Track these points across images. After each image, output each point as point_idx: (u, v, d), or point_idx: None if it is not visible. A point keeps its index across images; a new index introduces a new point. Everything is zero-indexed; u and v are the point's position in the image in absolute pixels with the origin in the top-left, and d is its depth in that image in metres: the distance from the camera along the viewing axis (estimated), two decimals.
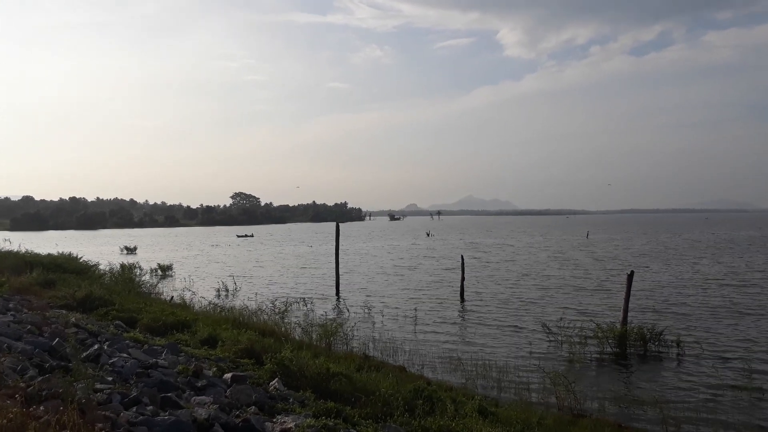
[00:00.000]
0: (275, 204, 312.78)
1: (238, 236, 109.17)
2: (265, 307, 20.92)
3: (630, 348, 16.26)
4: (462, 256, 27.80)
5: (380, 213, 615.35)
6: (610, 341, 16.29)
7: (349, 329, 16.74)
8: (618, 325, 16.77)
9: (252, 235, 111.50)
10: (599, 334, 16.47)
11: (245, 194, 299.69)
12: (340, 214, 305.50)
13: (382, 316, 22.22)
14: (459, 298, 26.54)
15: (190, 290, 26.43)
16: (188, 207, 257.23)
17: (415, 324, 20.54)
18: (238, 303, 22.61)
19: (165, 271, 38.87)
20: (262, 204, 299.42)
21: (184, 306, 18.99)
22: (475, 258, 48.13)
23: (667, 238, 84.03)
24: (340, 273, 30.36)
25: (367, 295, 28.13)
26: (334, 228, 30.62)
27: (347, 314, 22.32)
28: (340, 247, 34.23)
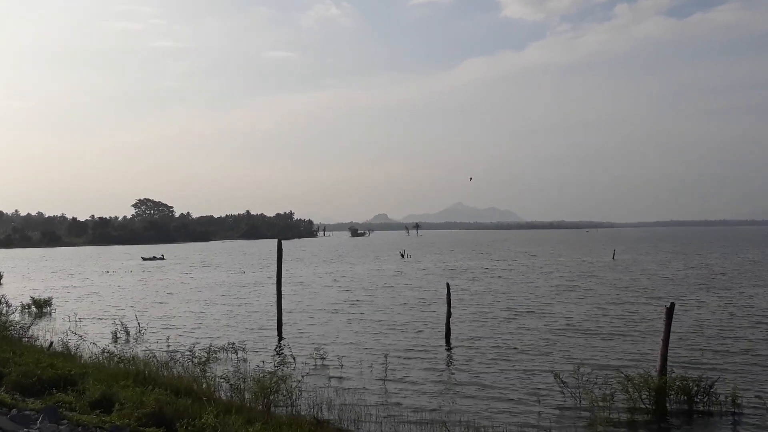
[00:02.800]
0: (194, 215, 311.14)
1: (144, 259, 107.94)
2: (180, 356, 20.71)
3: (670, 405, 16.57)
4: (448, 285, 27.95)
5: (339, 227, 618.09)
6: (643, 396, 16.55)
7: (295, 385, 16.65)
8: (654, 375, 17.05)
9: (162, 258, 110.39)
10: (629, 388, 16.71)
11: (153, 202, 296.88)
12: (284, 228, 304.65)
13: (341, 366, 22.15)
14: (443, 341, 26.64)
15: (76, 333, 25.97)
16: (74, 219, 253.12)
17: (386, 378, 20.53)
18: (142, 351, 22.30)
19: (41, 307, 38.24)
20: (177, 215, 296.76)
21: (67, 355, 18.65)
22: (463, 289, 48.46)
23: (716, 259, 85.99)
24: (283, 309, 30.25)
25: (320, 339, 28.03)
26: (276, 247, 30.51)
27: (293, 365, 22.20)
28: (284, 273, 34.09)
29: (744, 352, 23.73)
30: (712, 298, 40.33)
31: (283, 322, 29.93)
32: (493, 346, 25.65)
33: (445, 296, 27.67)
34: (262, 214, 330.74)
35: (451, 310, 27.38)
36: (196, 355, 21.03)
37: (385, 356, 23.01)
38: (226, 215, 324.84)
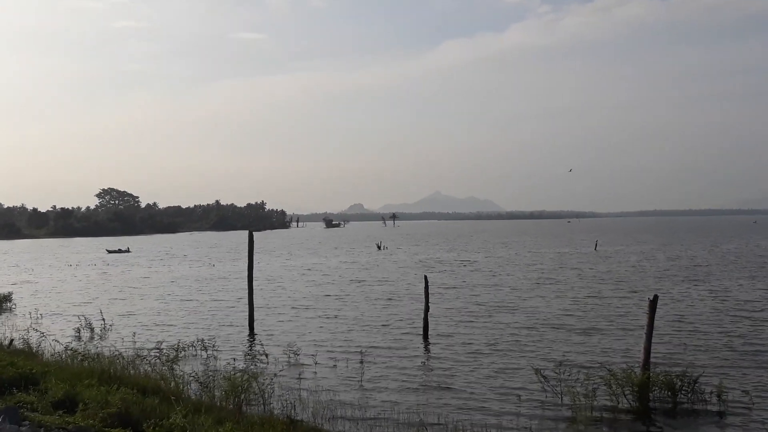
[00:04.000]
0: (161, 205, 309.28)
1: (109, 252, 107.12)
2: (147, 353, 20.63)
3: (654, 401, 16.77)
4: (426, 279, 28.09)
5: (313, 217, 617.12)
6: (626, 392, 16.74)
7: (267, 383, 16.64)
8: (637, 371, 17.25)
9: (128, 250, 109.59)
10: (612, 383, 16.90)
11: (117, 191, 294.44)
12: (256, 219, 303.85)
13: (315, 363, 22.18)
14: (421, 337, 26.77)
15: (37, 330, 25.72)
16: (35, 210, 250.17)
17: (362, 374, 20.59)
18: (107, 348, 22.15)
19: (0, 303, 37.89)
20: (143, 205, 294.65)
21: (28, 353, 18.52)
22: (440, 283, 48.59)
23: (700, 250, 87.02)
24: (254, 303, 30.23)
25: (293, 336, 28.02)
26: (247, 239, 30.46)
27: (265, 362, 22.17)
28: (256, 266, 34.02)
29: (728, 347, 24.04)
30: (695, 291, 40.78)
31: (255, 317, 29.89)
32: (472, 342, 25.77)
33: (421, 290, 27.77)
34: (232, 204, 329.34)
35: (429, 304, 27.55)
36: (164, 352, 20.95)
37: (361, 353, 23.11)
38: (195, 205, 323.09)
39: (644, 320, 18.43)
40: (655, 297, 17.96)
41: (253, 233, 31.20)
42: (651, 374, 16.98)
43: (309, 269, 66.15)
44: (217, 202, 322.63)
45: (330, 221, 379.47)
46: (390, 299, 39.76)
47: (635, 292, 40.93)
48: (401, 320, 31.59)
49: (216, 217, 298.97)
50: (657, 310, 18.12)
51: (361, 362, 22.06)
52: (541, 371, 18.56)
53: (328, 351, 24.44)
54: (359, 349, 23.93)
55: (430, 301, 27.67)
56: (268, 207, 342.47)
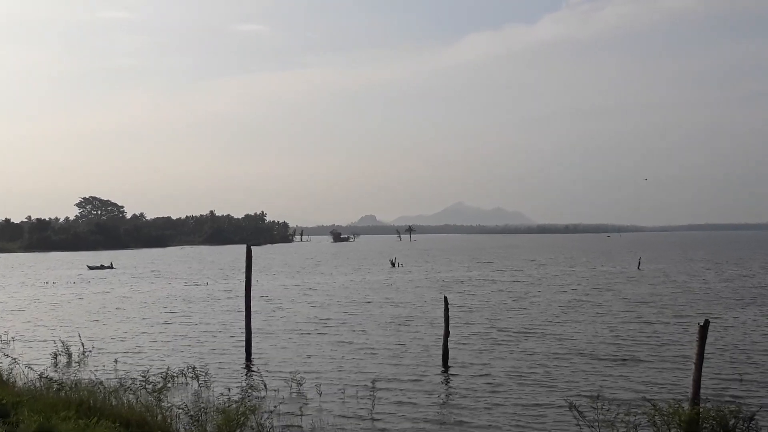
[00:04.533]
0: (149, 216, 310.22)
1: (90, 268, 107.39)
2: (131, 382, 20.62)
3: None
4: (446, 300, 28.01)
5: (319, 230, 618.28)
6: (673, 429, 16.61)
7: (266, 417, 16.64)
8: (685, 406, 17.11)
9: (111, 266, 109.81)
10: (657, 419, 16.74)
11: (100, 201, 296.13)
12: (255, 232, 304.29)
13: (320, 395, 22.17)
14: (441, 364, 26.72)
15: (8, 356, 25.79)
16: (7, 221, 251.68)
17: (372, 409, 20.55)
18: (86, 376, 22.18)
19: None
20: (128, 216, 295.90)
21: None
22: (461, 305, 48.45)
23: (759, 268, 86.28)
24: (252, 327, 30.22)
25: (296, 363, 28.01)
26: (244, 254, 30.52)
27: (263, 393, 22.20)
28: (254, 284, 34.03)
29: None
30: (751, 316, 40.50)
31: (252, 343, 29.87)
32: (495, 373, 25.70)
33: (439, 314, 27.73)
34: (228, 215, 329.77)
35: (449, 329, 27.48)
36: (150, 381, 20.90)
37: (373, 383, 22.97)
38: (187, 217, 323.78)
39: (693, 349, 18.32)
40: (706, 322, 17.83)
41: (252, 248, 31.18)
42: (701, 410, 16.84)
43: (313, 289, 66.11)
44: (211, 212, 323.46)
45: (338, 234, 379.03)
46: (404, 323, 39.62)
47: (682, 316, 40.65)
48: (416, 347, 31.49)
49: (210, 230, 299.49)
50: (708, 337, 18.01)
51: (372, 395, 21.88)
52: (576, 406, 18.46)
53: (334, 382, 24.41)
54: (369, 380, 23.79)
55: (453, 325, 27.58)
56: (268, 218, 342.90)
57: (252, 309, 30.76)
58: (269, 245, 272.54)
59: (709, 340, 19.48)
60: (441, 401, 21.97)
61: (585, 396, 20.98)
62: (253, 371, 26.16)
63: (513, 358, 28.80)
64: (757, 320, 38.72)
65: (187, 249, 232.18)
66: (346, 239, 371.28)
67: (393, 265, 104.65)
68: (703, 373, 17.57)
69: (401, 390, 23.24)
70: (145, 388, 20.02)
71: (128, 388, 19.57)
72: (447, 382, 24.66)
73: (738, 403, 18.36)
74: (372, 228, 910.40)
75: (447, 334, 27.21)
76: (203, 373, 24.37)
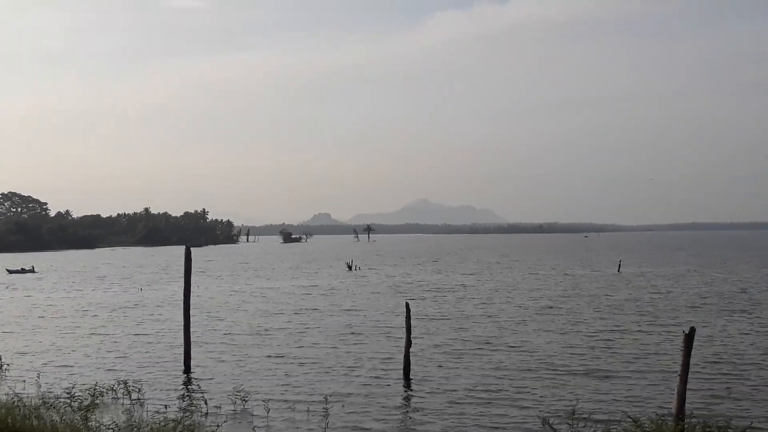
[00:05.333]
0: (76, 214, 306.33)
1: (9, 272, 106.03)
2: (55, 399, 20.43)
3: None
4: (407, 306, 28.02)
5: (268, 229, 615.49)
6: None
7: None
8: (669, 421, 17.28)
9: (33, 270, 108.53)
10: None
11: (20, 197, 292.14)
12: (195, 231, 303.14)
13: (267, 411, 22.12)
14: (401, 378, 26.79)
15: None
16: None
17: (326, 427, 20.59)
18: (4, 393, 21.93)
19: None
20: (52, 214, 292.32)
21: None
22: (424, 313, 48.51)
23: (746, 272, 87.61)
24: (192, 337, 30.03)
25: (240, 377, 27.98)
26: (183, 256, 30.29)
27: (204, 410, 22.13)
28: (194, 290, 33.77)
29: None
30: (738, 324, 41.13)
31: (192, 355, 29.68)
32: (464, 387, 25.83)
33: (399, 322, 27.73)
34: (165, 213, 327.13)
35: (411, 338, 27.50)
36: (76, 397, 20.77)
37: (326, 399, 22.99)
38: (119, 215, 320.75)
39: (677, 359, 18.48)
40: (692, 330, 18.04)
41: (192, 249, 30.98)
42: (686, 425, 17.02)
43: (258, 295, 65.71)
44: (146, 210, 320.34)
45: (289, 234, 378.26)
46: (360, 333, 39.44)
47: (665, 324, 41.15)
48: (373, 359, 31.50)
49: (145, 229, 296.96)
50: (693, 346, 18.17)
51: (325, 412, 21.93)
52: (550, 422, 18.56)
53: (283, 398, 24.36)
54: (322, 396, 23.79)
55: (414, 334, 27.62)
56: (211, 217, 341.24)
57: (192, 317, 30.56)
58: (211, 246, 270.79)
59: (694, 350, 19.65)
60: (402, 418, 22.04)
61: (560, 412, 21.10)
62: (193, 386, 26.07)
63: (480, 371, 28.93)
64: (745, 328, 39.34)
65: (119, 250, 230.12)
66: (298, 240, 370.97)
67: (350, 268, 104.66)
68: (688, 386, 17.78)
69: (358, 406, 23.25)
70: (71, 406, 19.87)
71: (51, 405, 19.41)
72: (409, 397, 24.74)
73: (726, 418, 18.58)
74: (326, 227, 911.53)
75: (409, 344, 27.24)
76: (136, 389, 24.21)
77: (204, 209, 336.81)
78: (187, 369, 28.81)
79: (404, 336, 27.61)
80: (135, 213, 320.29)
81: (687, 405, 17.88)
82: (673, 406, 17.75)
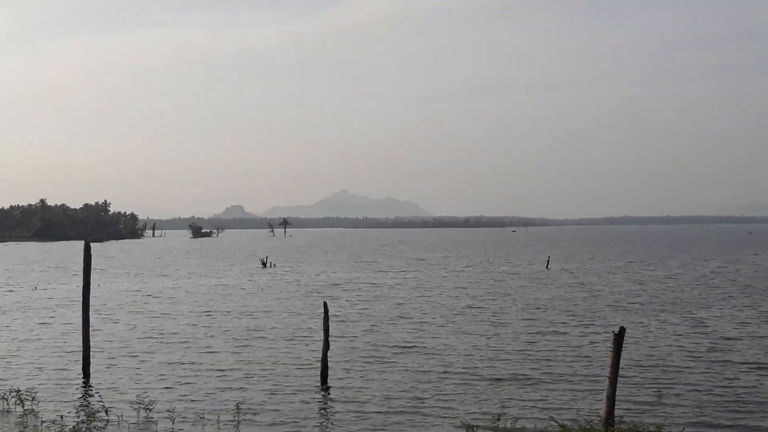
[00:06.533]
0: None
1: None
2: None
3: None
4: (326, 306, 28.03)
5: (176, 223, 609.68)
6: None
7: None
8: (598, 423, 17.52)
9: None
10: None
11: None
12: (96, 225, 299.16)
13: (172, 421, 21.94)
14: (319, 384, 26.85)
15: None
16: None
17: None
18: None
19: None
20: None
21: None
22: (338, 315, 48.42)
23: (678, 268, 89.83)
24: (90, 339, 29.56)
25: (143, 383, 27.73)
26: (82, 252, 29.89)
27: (105, 419, 21.89)
28: (94, 289, 33.21)
29: (710, 393, 24.96)
30: (670, 324, 41.98)
31: (91, 360, 29.25)
32: (384, 393, 25.96)
33: (312, 324, 27.68)
34: (63, 205, 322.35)
35: (329, 340, 27.50)
36: None
37: (237, 406, 22.97)
38: (11, 207, 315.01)
39: (606, 360, 18.74)
40: (622, 330, 18.29)
41: (92, 244, 30.59)
42: (615, 430, 17.27)
43: (163, 294, 65.04)
44: (42, 201, 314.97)
45: (199, 229, 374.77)
46: (273, 336, 39.21)
47: (595, 325, 41.85)
48: (288, 364, 31.44)
49: (40, 223, 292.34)
50: (623, 348, 18.44)
51: (236, 420, 21.92)
52: (474, 428, 18.69)
53: (190, 405, 24.21)
54: (234, 405, 23.64)
55: (331, 336, 27.64)
56: (113, 209, 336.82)
57: (92, 318, 30.10)
58: (113, 241, 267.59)
59: (624, 351, 19.99)
60: (320, 426, 22.02)
61: (484, 418, 21.28)
62: (92, 394, 25.77)
63: (400, 376, 29.08)
64: (676, 328, 40.18)
65: (11, 246, 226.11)
66: (209, 234, 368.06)
67: (264, 265, 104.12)
68: (618, 389, 18.05)
69: (271, 414, 23.22)
70: None
71: None
72: (326, 403, 24.77)
73: (658, 421, 18.93)
74: (240, 221, 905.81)
75: (326, 346, 27.25)
76: (30, 398, 23.79)
77: (106, 201, 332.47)
78: (86, 375, 28.40)
79: (321, 338, 27.60)
80: (30, 205, 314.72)
81: (616, 409, 18.15)
82: (602, 410, 18.00)
